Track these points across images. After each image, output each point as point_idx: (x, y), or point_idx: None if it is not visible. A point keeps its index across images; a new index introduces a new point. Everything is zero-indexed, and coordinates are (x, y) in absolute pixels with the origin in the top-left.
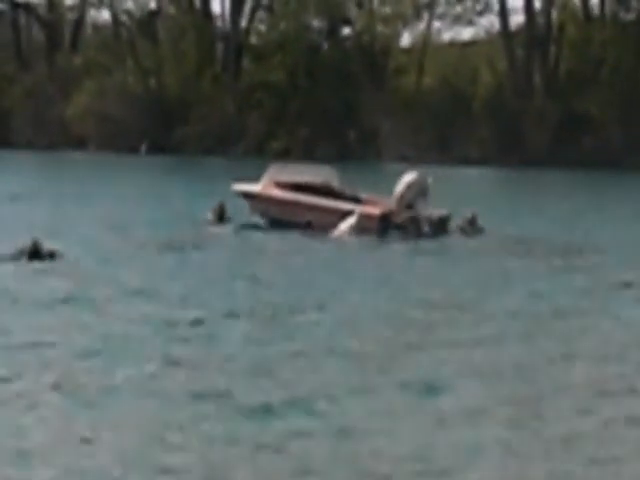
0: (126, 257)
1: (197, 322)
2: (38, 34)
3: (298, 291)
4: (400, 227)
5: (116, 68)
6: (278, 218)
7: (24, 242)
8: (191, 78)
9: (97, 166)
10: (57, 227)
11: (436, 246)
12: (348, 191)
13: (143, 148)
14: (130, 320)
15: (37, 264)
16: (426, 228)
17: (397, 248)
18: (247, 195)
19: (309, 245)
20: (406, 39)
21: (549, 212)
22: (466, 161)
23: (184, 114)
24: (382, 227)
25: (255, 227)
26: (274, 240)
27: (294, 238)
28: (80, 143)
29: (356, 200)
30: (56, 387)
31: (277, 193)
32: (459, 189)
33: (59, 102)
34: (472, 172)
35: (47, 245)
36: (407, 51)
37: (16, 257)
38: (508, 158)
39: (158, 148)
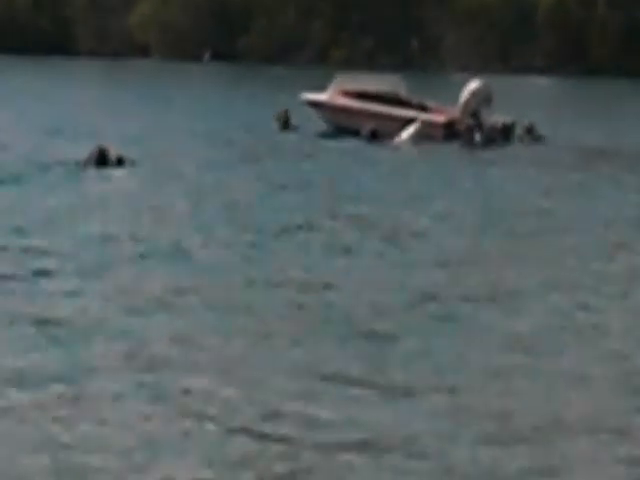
0: (197, 166)
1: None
2: None
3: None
4: (464, 134)
5: None
6: (344, 126)
7: (92, 149)
8: None
9: (161, 74)
10: (126, 135)
11: (497, 154)
12: (415, 100)
13: (206, 56)
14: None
15: (105, 170)
16: (484, 136)
17: (460, 156)
18: (315, 104)
19: (371, 153)
20: None
21: (613, 121)
22: (529, 70)
23: (247, 23)
24: (446, 134)
25: (321, 135)
26: (337, 149)
27: (358, 145)
28: (143, 51)
29: (423, 108)
30: None
31: (343, 101)
32: (522, 98)
33: (122, 11)
34: (535, 81)
35: (114, 152)
36: None
37: (84, 163)
38: (571, 67)
39: (221, 56)
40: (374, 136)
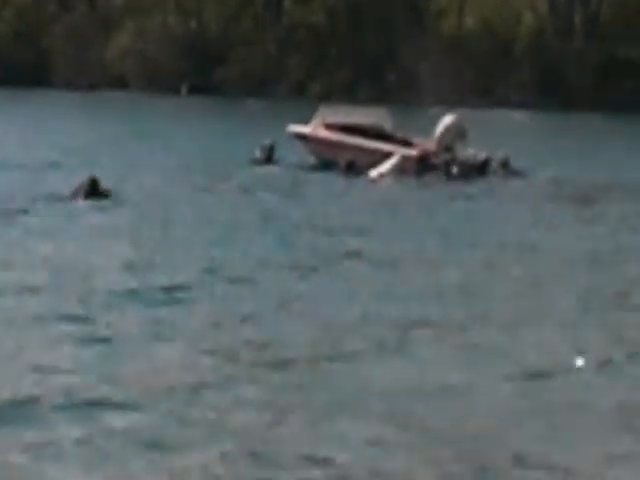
0: (176, 198)
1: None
2: None
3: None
4: (438, 169)
5: (156, 9)
6: (327, 158)
7: (81, 180)
8: (232, 19)
9: (138, 107)
10: (105, 167)
11: (473, 188)
12: (399, 134)
13: (184, 89)
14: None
15: (94, 202)
16: (459, 171)
17: (434, 189)
18: (299, 136)
19: (349, 185)
20: None
21: (590, 155)
22: (507, 104)
23: (224, 55)
24: (420, 168)
25: (303, 168)
26: (316, 181)
27: (337, 179)
28: (120, 84)
29: (406, 143)
30: None
31: (324, 133)
32: (499, 132)
33: (99, 42)
34: (513, 115)
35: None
36: None
37: (72, 195)
38: (549, 101)
39: (198, 89)
40: (350, 168)
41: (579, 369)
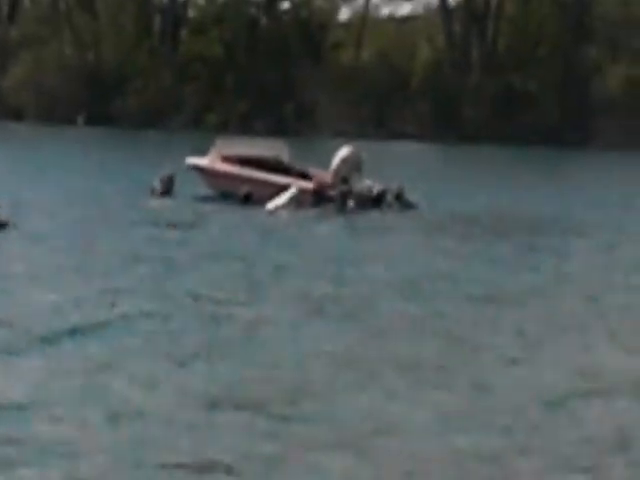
0: (69, 229)
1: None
2: None
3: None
4: (336, 200)
5: (53, 40)
6: (224, 190)
7: None
8: (128, 50)
9: (35, 137)
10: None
11: (370, 220)
12: (297, 166)
13: (80, 120)
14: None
15: None
16: (355, 203)
17: (328, 222)
18: (197, 168)
19: (246, 217)
20: (344, 13)
21: (485, 187)
22: (403, 136)
23: (121, 86)
24: (316, 201)
25: (199, 200)
26: (213, 213)
27: (234, 210)
28: (16, 114)
29: (303, 175)
30: None
31: (222, 166)
32: (395, 164)
33: None
34: (409, 147)
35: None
36: (345, 25)
37: None
38: (445, 133)
39: (95, 120)
40: (247, 199)
41: None
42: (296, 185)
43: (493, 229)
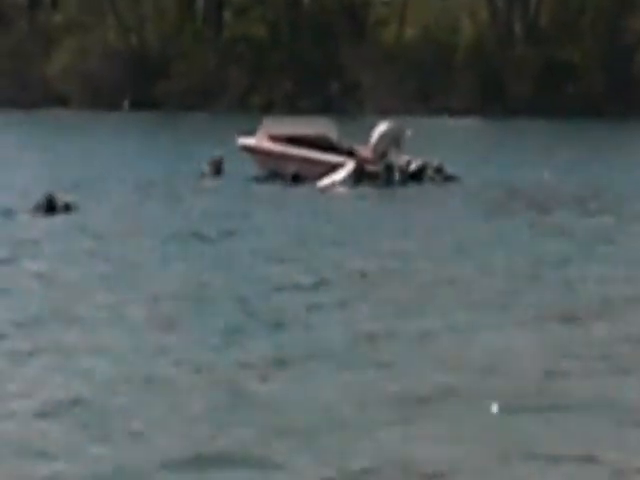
0: (132, 210)
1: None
2: None
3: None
4: (374, 176)
5: (97, 26)
6: (272, 170)
7: (38, 197)
8: (172, 34)
9: (81, 123)
10: (64, 182)
11: (407, 194)
12: (345, 144)
13: (125, 104)
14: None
15: (54, 217)
16: (397, 177)
17: (368, 197)
18: (246, 148)
19: (298, 195)
20: None
21: (530, 161)
22: (448, 112)
23: (166, 70)
24: (357, 177)
25: (250, 180)
26: (262, 192)
27: (285, 189)
28: (62, 101)
29: (351, 153)
30: None
31: (269, 145)
32: (440, 139)
33: (40, 61)
34: (454, 123)
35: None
36: (388, 3)
37: (33, 212)
38: (490, 108)
39: (140, 104)
40: (296, 179)
41: None
42: (350, 163)
43: (534, 202)
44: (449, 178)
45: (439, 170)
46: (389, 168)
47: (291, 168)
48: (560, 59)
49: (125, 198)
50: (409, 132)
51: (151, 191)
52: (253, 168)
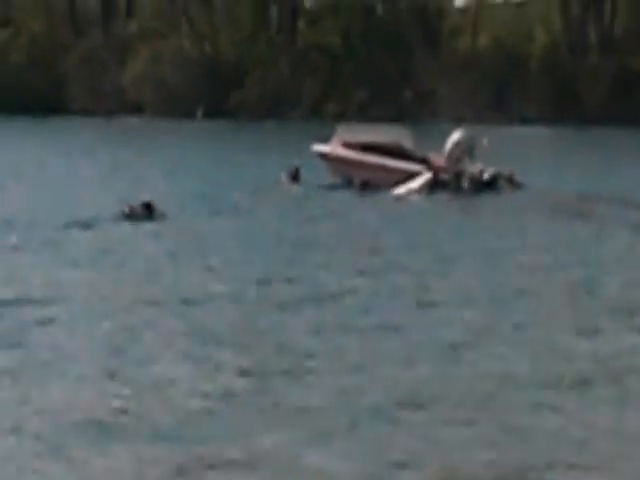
0: (217, 218)
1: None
2: (93, 1)
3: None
4: (451, 182)
5: (171, 34)
6: (345, 177)
7: (133, 202)
8: (246, 42)
9: (156, 132)
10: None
11: (481, 203)
12: (419, 152)
13: (199, 113)
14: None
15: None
16: (466, 185)
17: (443, 205)
18: (320, 155)
19: (368, 203)
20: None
21: (605, 171)
22: (523, 120)
23: (240, 78)
24: (431, 185)
25: (324, 187)
26: (341, 200)
27: (359, 196)
28: (136, 109)
29: (425, 161)
30: None
31: (342, 152)
32: (514, 148)
33: (114, 68)
34: (529, 131)
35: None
36: (461, 12)
37: (129, 217)
38: (565, 116)
39: (214, 113)
40: (364, 187)
41: None
42: (426, 172)
43: (602, 211)
44: (519, 187)
45: (510, 179)
46: (458, 176)
47: (363, 175)
48: (635, 68)
49: (207, 207)
50: (485, 141)
51: (258, 197)
52: (328, 176)
